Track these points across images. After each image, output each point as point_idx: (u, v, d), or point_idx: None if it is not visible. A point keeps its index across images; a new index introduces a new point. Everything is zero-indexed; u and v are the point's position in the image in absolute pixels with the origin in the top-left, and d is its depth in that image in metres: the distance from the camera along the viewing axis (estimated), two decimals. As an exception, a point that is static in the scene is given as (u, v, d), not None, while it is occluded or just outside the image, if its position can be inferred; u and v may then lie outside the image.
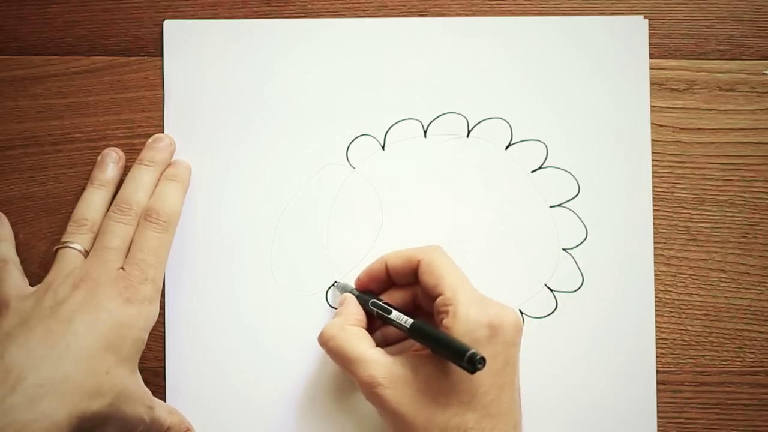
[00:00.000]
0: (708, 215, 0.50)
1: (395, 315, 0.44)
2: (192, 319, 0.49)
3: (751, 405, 0.50)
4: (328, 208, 0.50)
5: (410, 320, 0.43)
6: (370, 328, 0.46)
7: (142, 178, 0.48)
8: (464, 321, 0.41)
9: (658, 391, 0.49)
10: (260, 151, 0.50)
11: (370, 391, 0.42)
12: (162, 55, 0.50)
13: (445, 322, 0.42)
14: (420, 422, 0.41)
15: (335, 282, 0.49)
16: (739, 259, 0.50)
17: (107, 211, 0.47)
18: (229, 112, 0.50)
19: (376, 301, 0.46)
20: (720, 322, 0.50)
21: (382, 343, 0.47)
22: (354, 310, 0.46)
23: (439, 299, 0.43)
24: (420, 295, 0.46)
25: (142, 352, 0.45)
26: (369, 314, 0.46)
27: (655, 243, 0.50)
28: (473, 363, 0.39)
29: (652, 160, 0.50)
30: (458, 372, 0.41)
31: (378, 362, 0.42)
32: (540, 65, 0.50)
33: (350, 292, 0.48)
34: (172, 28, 0.50)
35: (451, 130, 0.50)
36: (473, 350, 0.39)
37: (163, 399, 0.49)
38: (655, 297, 0.50)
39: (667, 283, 0.50)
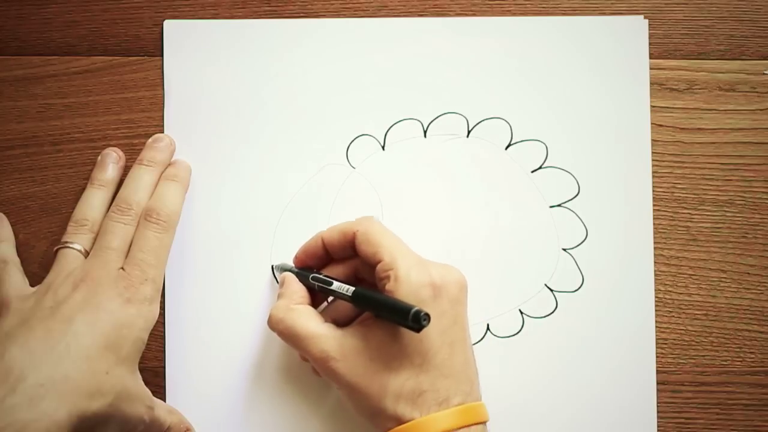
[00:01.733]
0: (708, 215, 0.50)
1: (336, 285, 0.44)
2: (192, 319, 0.49)
3: (751, 405, 0.50)
4: (328, 208, 0.50)
5: (351, 288, 0.43)
6: (314, 305, 0.46)
7: (142, 178, 0.48)
8: (406, 283, 0.41)
9: (658, 391, 0.49)
10: (260, 151, 0.50)
11: (324, 366, 0.42)
12: (162, 55, 0.50)
13: (387, 287, 0.42)
14: (374, 390, 0.41)
15: (273, 265, 0.49)
16: (739, 259, 0.50)
17: (107, 211, 0.47)
18: (229, 112, 0.50)
19: (316, 275, 0.46)
20: (720, 322, 0.50)
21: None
22: (296, 288, 0.46)
23: (379, 266, 0.43)
24: (360, 268, 0.46)
25: (142, 352, 0.45)
26: (311, 291, 0.46)
27: (655, 243, 0.50)
28: (418, 320, 0.38)
29: (652, 160, 0.50)
30: (407, 335, 0.41)
31: (328, 336, 0.43)
32: (540, 65, 0.50)
33: (289, 270, 0.47)
34: (172, 28, 0.50)
35: (451, 130, 0.50)
36: (417, 307, 0.39)
37: (163, 399, 0.49)
38: (655, 297, 0.50)
39: (667, 283, 0.50)
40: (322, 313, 0.46)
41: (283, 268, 0.48)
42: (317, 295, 0.47)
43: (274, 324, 0.45)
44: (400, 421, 0.41)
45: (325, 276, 0.46)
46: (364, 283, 0.46)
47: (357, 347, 0.42)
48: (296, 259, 0.48)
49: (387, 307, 0.41)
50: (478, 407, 0.42)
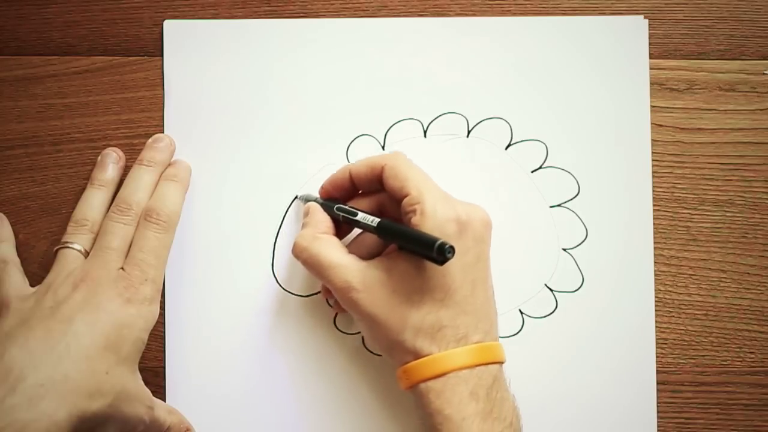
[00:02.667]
0: (708, 215, 0.50)
1: (361, 216, 0.44)
2: (192, 319, 0.49)
3: (751, 405, 0.50)
4: (328, 208, 0.50)
5: (377, 219, 0.43)
6: (338, 236, 0.46)
7: (142, 178, 0.48)
8: (432, 217, 0.41)
9: (658, 391, 0.49)
10: (260, 151, 0.50)
11: (345, 296, 0.42)
12: (162, 55, 0.50)
13: (413, 220, 0.42)
14: (394, 322, 0.41)
15: (297, 195, 0.49)
16: (739, 259, 0.50)
17: (107, 211, 0.47)
18: (229, 112, 0.50)
19: (341, 205, 0.46)
20: (720, 322, 0.50)
21: None
22: (321, 218, 0.46)
23: (405, 200, 0.43)
24: (385, 203, 0.46)
25: (142, 352, 0.45)
26: (336, 223, 0.46)
27: (655, 243, 0.50)
28: (442, 252, 0.38)
29: (652, 160, 0.50)
30: (430, 269, 0.41)
31: (351, 267, 0.43)
32: (540, 65, 0.50)
33: (314, 200, 0.47)
34: (172, 28, 0.50)
35: (451, 130, 0.50)
36: (442, 240, 0.39)
37: (163, 399, 0.49)
38: (655, 297, 0.50)
39: (667, 283, 0.50)
40: (347, 246, 0.46)
41: (308, 199, 0.48)
42: (341, 228, 0.47)
43: (298, 252, 0.45)
44: (417, 354, 0.41)
45: (350, 207, 0.45)
46: (388, 218, 0.45)
47: (379, 279, 0.42)
48: (322, 190, 0.48)
49: (412, 238, 0.41)
50: (496, 347, 0.42)
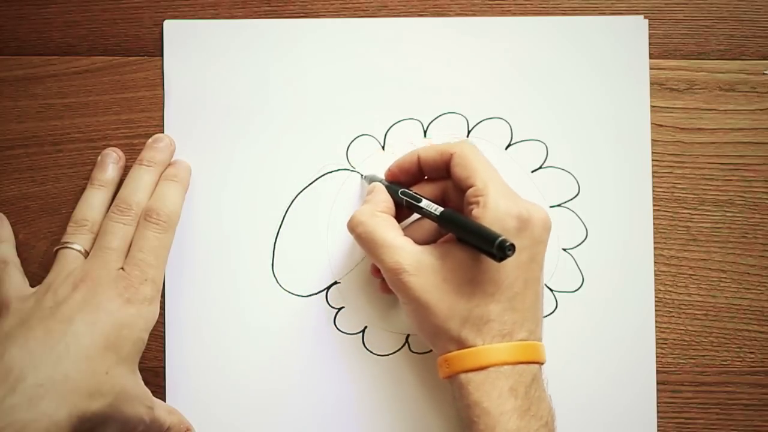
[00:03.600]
0: (708, 215, 0.50)
1: (425, 203, 0.44)
2: (192, 319, 0.49)
3: (751, 405, 0.50)
4: (328, 208, 0.50)
5: (440, 208, 0.43)
6: (397, 220, 0.46)
7: (142, 178, 0.48)
8: (494, 211, 0.41)
9: (658, 391, 0.49)
10: (260, 151, 0.50)
11: (395, 277, 0.42)
12: (162, 55, 0.50)
13: (475, 212, 0.42)
14: (442, 310, 0.41)
15: (363, 174, 0.49)
16: (739, 259, 0.50)
17: (107, 211, 0.47)
18: (229, 112, 0.50)
19: (405, 190, 0.46)
20: (720, 322, 0.50)
21: None
22: (383, 198, 0.46)
23: (470, 190, 0.43)
24: (450, 191, 0.46)
25: (142, 352, 0.45)
26: (397, 205, 0.46)
27: (655, 243, 0.50)
28: (503, 249, 0.39)
29: (652, 160, 0.50)
30: (485, 262, 0.41)
31: (405, 249, 0.43)
32: (540, 65, 0.50)
33: (380, 182, 0.48)
34: (172, 28, 0.50)
35: (451, 130, 0.50)
36: (503, 237, 0.39)
37: (163, 399, 0.49)
38: (655, 297, 0.50)
39: (667, 283, 0.50)
40: (404, 229, 0.46)
41: (373, 179, 0.48)
42: (401, 212, 0.47)
43: (353, 225, 0.45)
44: (462, 344, 0.41)
45: (414, 192, 0.46)
46: (450, 206, 0.46)
47: (432, 265, 0.42)
48: (389, 172, 0.48)
49: (473, 231, 0.41)
50: (539, 347, 0.43)
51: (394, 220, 0.45)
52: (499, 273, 0.41)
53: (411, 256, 0.42)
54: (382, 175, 0.49)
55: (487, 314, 0.41)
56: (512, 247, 0.39)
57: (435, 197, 0.46)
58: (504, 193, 0.43)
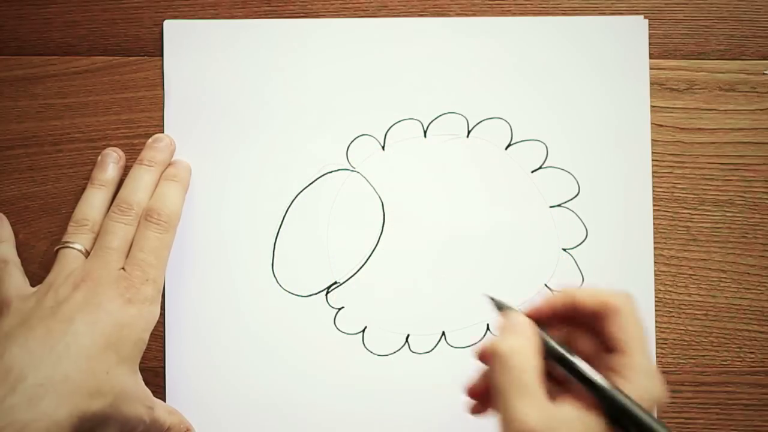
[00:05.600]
0: (708, 215, 0.50)
1: (584, 366, 0.37)
2: (192, 319, 0.49)
3: (751, 405, 0.50)
4: (328, 208, 0.50)
5: (610, 388, 0.36)
6: None
7: (143, 178, 0.48)
8: (634, 389, 0.36)
9: (658, 391, 0.49)
10: (260, 151, 0.50)
11: (515, 429, 0.36)
12: (162, 55, 0.50)
13: (616, 382, 0.36)
14: None
15: (494, 300, 0.41)
16: (739, 259, 0.50)
17: (108, 211, 0.47)
18: (229, 112, 0.50)
19: (558, 348, 0.38)
20: (720, 322, 0.50)
21: None
22: (538, 341, 0.38)
23: (619, 357, 0.37)
24: (575, 334, 0.39)
25: (143, 352, 0.45)
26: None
27: (655, 243, 0.50)
28: None
29: (652, 160, 0.50)
30: None
31: (540, 406, 0.36)
32: (540, 65, 0.50)
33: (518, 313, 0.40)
34: (172, 28, 0.50)
35: (451, 130, 0.50)
36: None
37: (163, 399, 0.49)
38: (655, 297, 0.50)
39: (667, 283, 0.50)
40: None
41: (507, 307, 0.40)
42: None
43: (509, 353, 0.37)
44: None
45: (574, 357, 0.37)
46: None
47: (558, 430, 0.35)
48: (534, 310, 0.40)
49: (640, 424, 0.35)
50: None
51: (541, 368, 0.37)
52: None
53: (543, 414, 0.35)
54: (513, 304, 0.41)
55: None
56: None
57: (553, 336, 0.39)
58: (649, 370, 0.37)
